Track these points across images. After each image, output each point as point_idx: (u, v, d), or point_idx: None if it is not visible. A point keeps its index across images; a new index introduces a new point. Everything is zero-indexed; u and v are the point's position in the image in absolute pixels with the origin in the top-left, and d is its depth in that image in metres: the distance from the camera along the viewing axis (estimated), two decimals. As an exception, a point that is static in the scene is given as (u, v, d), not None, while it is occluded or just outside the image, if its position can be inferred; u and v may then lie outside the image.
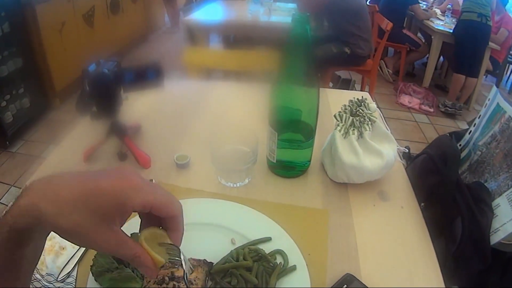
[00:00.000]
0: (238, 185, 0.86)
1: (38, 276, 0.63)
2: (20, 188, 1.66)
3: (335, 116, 0.85)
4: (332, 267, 0.66)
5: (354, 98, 0.87)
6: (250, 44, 2.67)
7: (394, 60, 4.61)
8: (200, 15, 3.22)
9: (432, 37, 4.28)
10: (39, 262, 0.64)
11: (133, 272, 0.60)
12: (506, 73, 4.88)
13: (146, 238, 0.44)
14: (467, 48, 3.70)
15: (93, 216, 0.39)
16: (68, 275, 0.64)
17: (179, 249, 0.45)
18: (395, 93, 4.12)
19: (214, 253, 0.65)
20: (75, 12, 3.54)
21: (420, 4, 4.56)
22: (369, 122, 0.82)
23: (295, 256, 0.65)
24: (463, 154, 0.90)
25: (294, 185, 0.87)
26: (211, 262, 0.62)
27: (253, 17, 3.22)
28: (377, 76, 3.37)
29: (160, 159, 0.93)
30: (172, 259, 0.44)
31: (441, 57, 4.69)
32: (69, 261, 0.66)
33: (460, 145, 0.93)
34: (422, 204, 0.83)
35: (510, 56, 4.31)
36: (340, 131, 0.82)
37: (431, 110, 3.83)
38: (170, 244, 0.45)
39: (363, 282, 0.62)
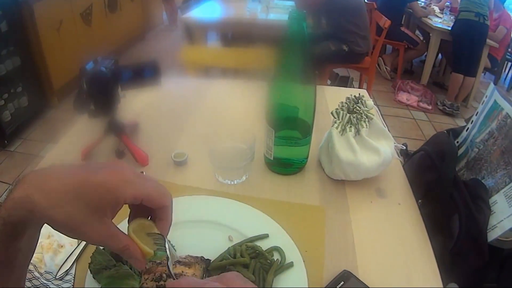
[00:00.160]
0: (235, 183, 0.86)
1: (36, 274, 0.63)
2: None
3: (332, 113, 0.85)
4: (329, 264, 0.66)
5: (351, 95, 0.87)
6: (248, 42, 2.67)
7: (392, 58, 4.61)
8: (198, 13, 3.21)
9: (430, 34, 4.28)
10: (37, 260, 0.65)
11: (130, 269, 0.60)
12: (505, 71, 4.88)
13: (135, 229, 0.45)
14: (464, 48, 3.71)
15: (85, 208, 0.39)
16: (67, 272, 0.64)
17: (164, 238, 0.46)
18: (393, 90, 4.13)
19: (211, 250, 0.65)
20: (73, 10, 3.54)
21: (418, 2, 4.56)
22: (366, 119, 0.83)
23: (292, 253, 0.65)
24: (460, 151, 0.91)
25: (291, 182, 0.87)
26: (208, 259, 0.62)
27: (251, 14, 3.21)
28: (375, 74, 3.37)
29: (158, 157, 0.93)
30: (160, 248, 0.44)
31: (439, 55, 4.69)
32: (67, 258, 0.66)
33: (457, 142, 0.93)
34: (420, 201, 0.84)
35: (508, 53, 4.32)
36: (337, 128, 0.82)
37: (429, 107, 3.83)
38: (157, 233, 0.46)
39: (360, 279, 0.62)
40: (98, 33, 3.98)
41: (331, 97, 1.22)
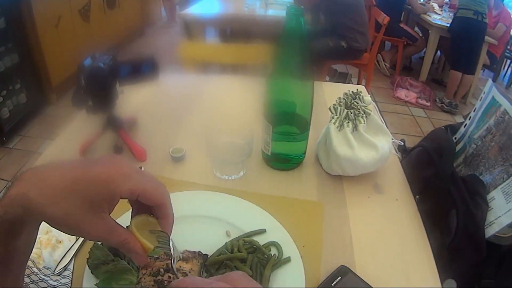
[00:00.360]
0: (233, 178, 0.86)
1: (35, 269, 0.63)
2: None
3: (330, 108, 0.85)
4: (327, 259, 0.67)
5: (349, 91, 0.87)
6: (247, 38, 2.66)
7: (391, 54, 4.60)
8: (197, 9, 3.21)
9: (429, 31, 4.27)
10: (36, 256, 0.65)
11: (128, 264, 0.60)
12: (504, 68, 4.88)
13: (137, 225, 0.44)
14: (463, 45, 3.70)
15: (82, 204, 0.39)
16: (65, 268, 0.64)
17: (168, 236, 0.45)
18: (392, 87, 4.12)
19: (209, 245, 0.65)
20: (71, 6, 3.52)
21: (418, -2, 4.56)
22: (364, 115, 0.83)
23: (289, 248, 0.65)
24: (458, 147, 0.91)
25: (289, 177, 0.87)
26: (206, 254, 0.63)
27: (249, 10, 3.21)
28: (374, 70, 3.37)
29: (156, 152, 0.93)
30: (161, 246, 0.44)
31: (438, 51, 4.68)
32: (65, 254, 0.66)
33: (455, 138, 0.93)
34: (417, 196, 0.84)
35: (507, 51, 4.32)
36: (334, 123, 0.82)
37: (428, 104, 3.83)
38: (160, 231, 0.45)
39: (358, 274, 0.62)
40: (96, 30, 3.97)
41: (330, 93, 1.22)
